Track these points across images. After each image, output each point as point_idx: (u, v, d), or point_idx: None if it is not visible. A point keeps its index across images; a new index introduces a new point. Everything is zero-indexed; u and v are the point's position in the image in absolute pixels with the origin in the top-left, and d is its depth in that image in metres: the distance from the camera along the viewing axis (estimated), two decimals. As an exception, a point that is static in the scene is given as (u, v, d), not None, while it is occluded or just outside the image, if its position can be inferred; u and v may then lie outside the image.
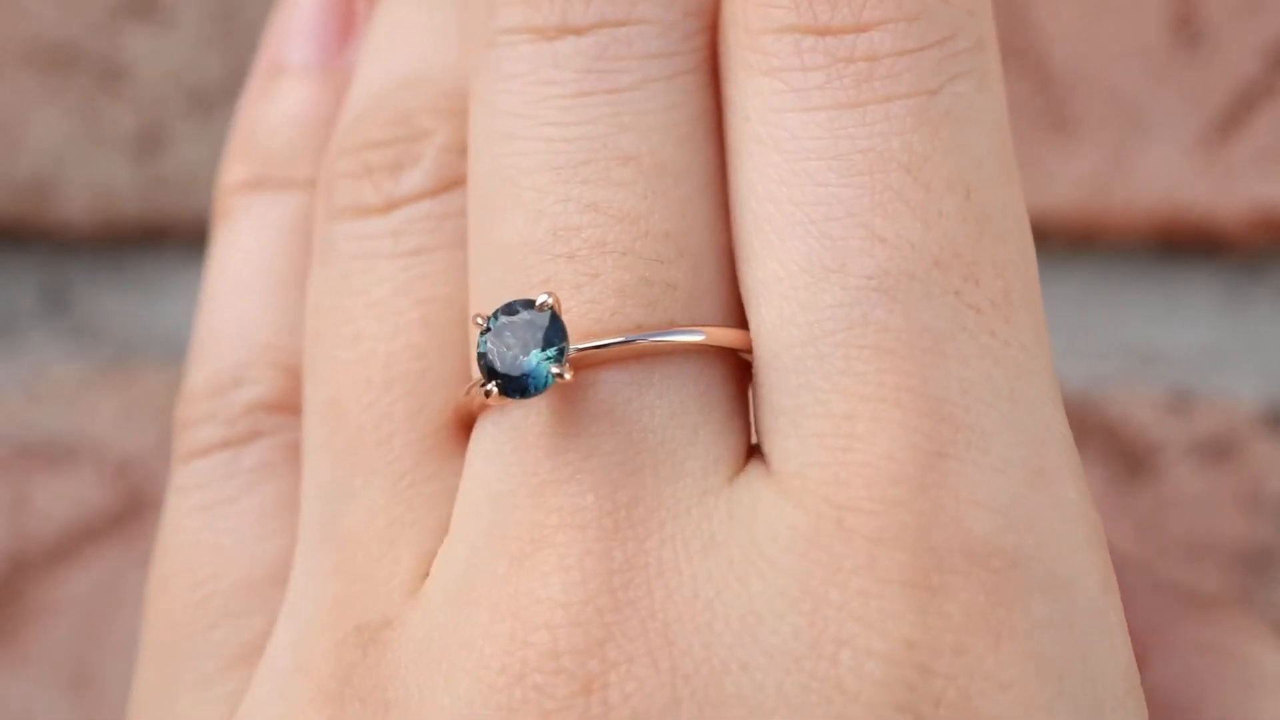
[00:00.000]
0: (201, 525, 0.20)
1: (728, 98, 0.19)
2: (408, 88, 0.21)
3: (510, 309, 0.18)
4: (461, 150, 0.20)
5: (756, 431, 0.18)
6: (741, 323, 0.18)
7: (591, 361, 0.18)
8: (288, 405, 0.20)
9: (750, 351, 0.18)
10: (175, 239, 0.34)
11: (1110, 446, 0.33)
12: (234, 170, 0.22)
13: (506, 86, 0.18)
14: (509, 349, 0.18)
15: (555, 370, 0.17)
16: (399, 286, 0.19)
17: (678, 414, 0.18)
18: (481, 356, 0.18)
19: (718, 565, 0.17)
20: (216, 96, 0.33)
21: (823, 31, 0.18)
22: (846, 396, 0.17)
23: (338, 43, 0.23)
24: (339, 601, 0.18)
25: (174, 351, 0.34)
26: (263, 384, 0.20)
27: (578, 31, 0.18)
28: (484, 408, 0.18)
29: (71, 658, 0.34)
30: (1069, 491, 0.17)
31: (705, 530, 0.17)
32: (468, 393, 0.18)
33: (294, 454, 0.20)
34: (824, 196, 0.18)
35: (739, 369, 0.19)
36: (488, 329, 0.18)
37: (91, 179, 0.33)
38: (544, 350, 0.17)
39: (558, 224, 0.18)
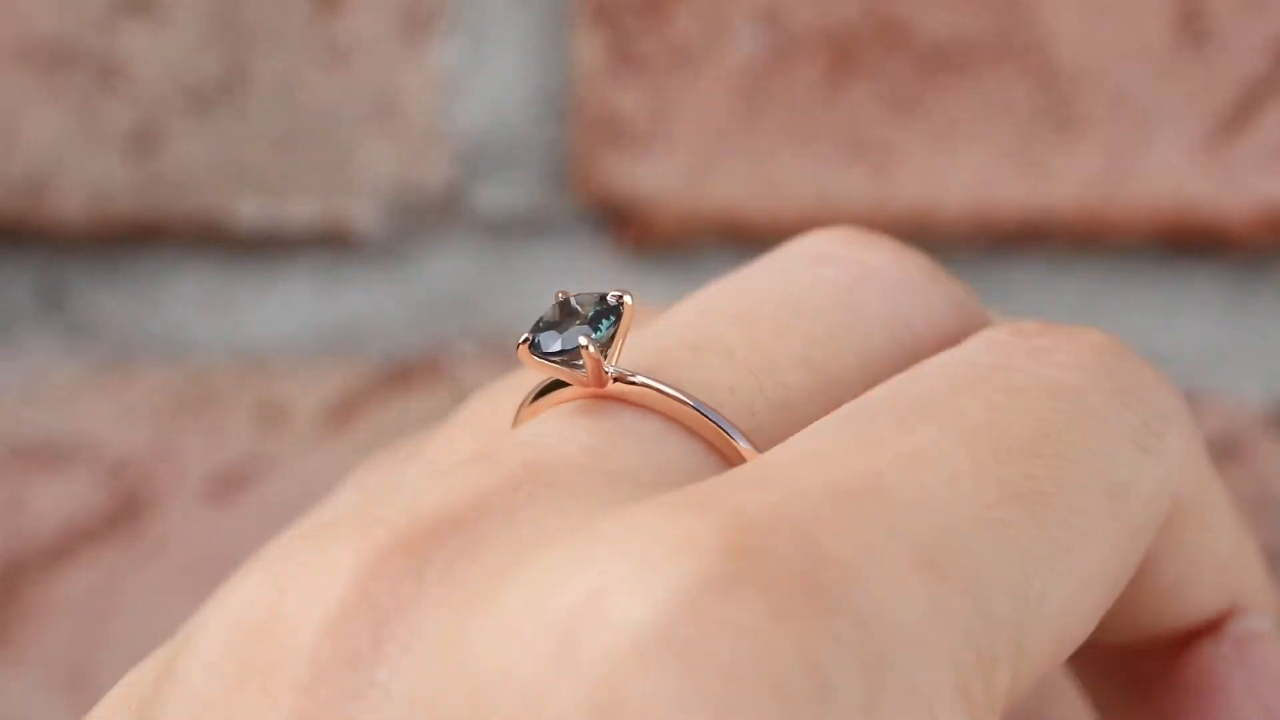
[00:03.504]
0: None
1: None
2: None
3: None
4: None
5: None
6: None
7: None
8: None
9: None
10: (172, 238, 0.34)
11: (1114, 447, 0.33)
12: None
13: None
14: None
15: (585, 343, 0.17)
16: None
17: None
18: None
19: None
20: (214, 94, 0.33)
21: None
22: None
23: None
24: None
25: (171, 351, 0.34)
26: None
27: None
28: None
29: (68, 660, 0.34)
30: None
31: None
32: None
33: None
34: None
35: None
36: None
37: (88, 177, 0.33)
38: (595, 330, 0.17)
39: None
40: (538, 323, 0.18)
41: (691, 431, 0.17)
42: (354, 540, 0.15)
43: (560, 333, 0.17)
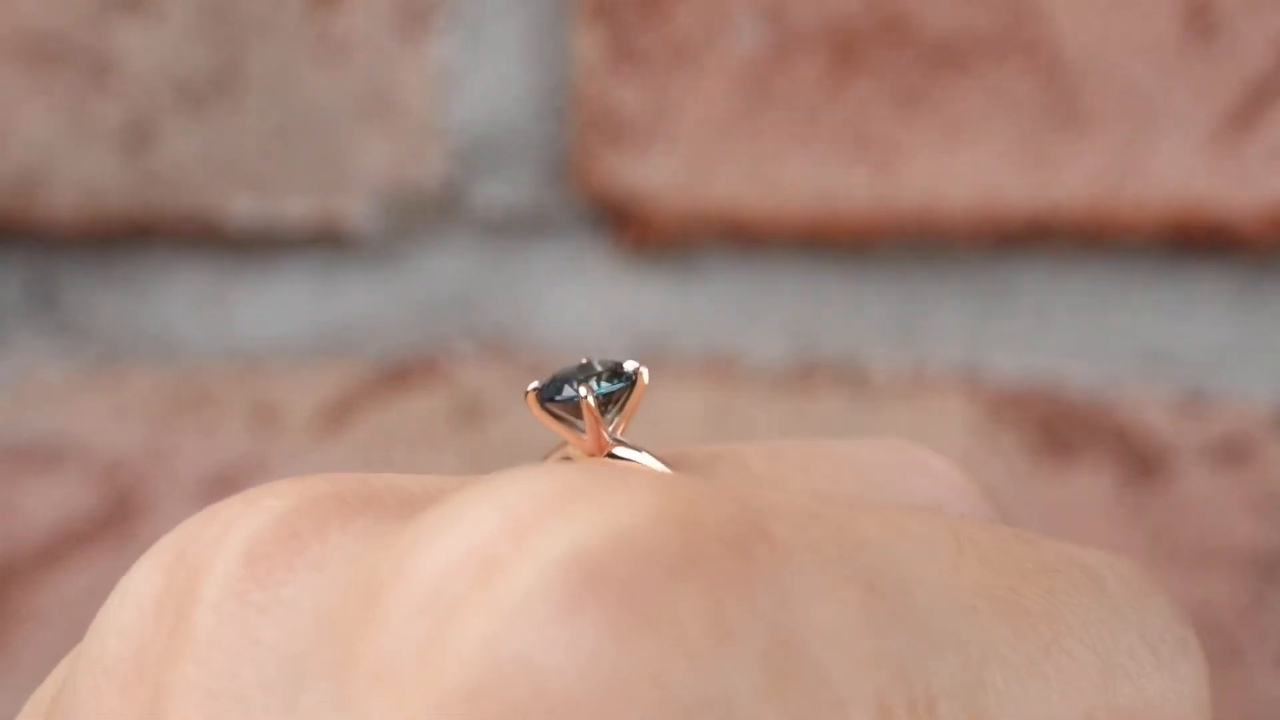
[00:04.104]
0: None
1: None
2: None
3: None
4: None
5: None
6: None
7: None
8: None
9: None
10: (165, 236, 0.33)
11: (1121, 449, 0.33)
12: None
13: None
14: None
15: (585, 394, 0.17)
16: None
17: None
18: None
19: None
20: (207, 91, 0.33)
21: None
22: None
23: None
24: None
25: (164, 351, 0.34)
26: None
27: None
28: None
29: (60, 664, 0.34)
30: None
31: None
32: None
33: None
34: None
35: None
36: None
37: (79, 174, 0.33)
38: (598, 385, 0.17)
39: None
40: (552, 375, 0.18)
41: None
42: (296, 488, 0.15)
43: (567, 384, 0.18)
